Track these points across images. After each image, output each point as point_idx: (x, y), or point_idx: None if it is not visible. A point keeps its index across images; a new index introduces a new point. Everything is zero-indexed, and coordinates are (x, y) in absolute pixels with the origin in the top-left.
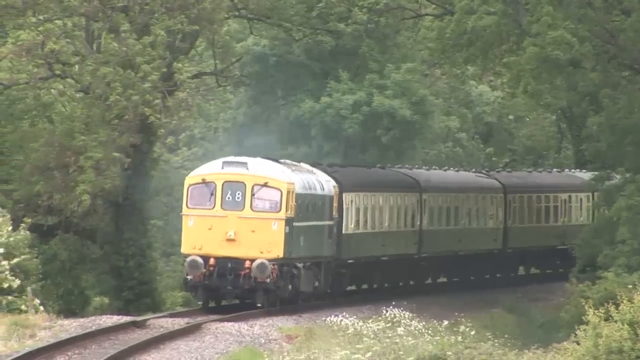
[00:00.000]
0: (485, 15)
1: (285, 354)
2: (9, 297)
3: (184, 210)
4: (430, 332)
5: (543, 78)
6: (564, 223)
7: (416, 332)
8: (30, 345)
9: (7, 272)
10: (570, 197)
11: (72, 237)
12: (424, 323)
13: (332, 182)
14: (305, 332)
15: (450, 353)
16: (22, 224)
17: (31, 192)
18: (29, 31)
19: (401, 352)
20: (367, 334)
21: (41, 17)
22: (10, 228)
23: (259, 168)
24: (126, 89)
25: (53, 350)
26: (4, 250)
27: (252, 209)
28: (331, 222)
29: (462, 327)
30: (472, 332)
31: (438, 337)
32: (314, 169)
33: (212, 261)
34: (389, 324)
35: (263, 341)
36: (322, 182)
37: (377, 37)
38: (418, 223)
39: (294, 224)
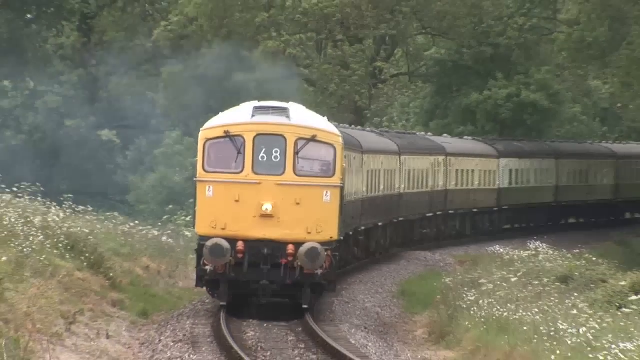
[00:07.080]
0: (597, 28)
1: (459, 274)
2: None
3: (199, 174)
4: (561, 259)
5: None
6: None
7: (551, 258)
8: None
9: None
10: None
11: None
12: (557, 252)
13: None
14: (472, 258)
15: (576, 273)
16: None
17: None
18: (274, 41)
19: (541, 273)
20: (516, 260)
21: (282, 33)
22: None
23: (303, 116)
24: (342, 83)
25: None
26: None
27: (295, 173)
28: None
29: (585, 255)
30: (594, 259)
31: (567, 262)
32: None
33: (240, 245)
34: (533, 253)
35: (442, 265)
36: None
37: (523, 48)
38: (397, 186)
39: (344, 193)
